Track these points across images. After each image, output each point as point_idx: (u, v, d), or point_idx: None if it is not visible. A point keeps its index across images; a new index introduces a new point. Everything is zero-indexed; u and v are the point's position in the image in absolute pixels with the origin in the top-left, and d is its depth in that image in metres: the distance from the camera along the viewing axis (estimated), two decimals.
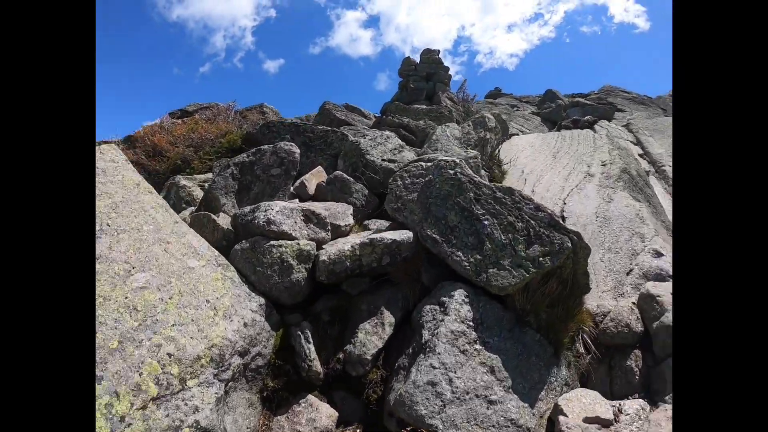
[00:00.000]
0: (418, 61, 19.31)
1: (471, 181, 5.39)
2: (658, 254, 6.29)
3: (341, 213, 6.36)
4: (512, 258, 4.54)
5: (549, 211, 4.87)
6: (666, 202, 12.98)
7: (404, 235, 5.25)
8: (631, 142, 18.09)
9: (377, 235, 5.10)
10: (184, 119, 15.59)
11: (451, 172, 5.49)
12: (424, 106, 14.04)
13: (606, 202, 7.76)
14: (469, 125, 10.70)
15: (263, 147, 7.07)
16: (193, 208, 7.35)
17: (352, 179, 7.37)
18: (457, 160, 5.75)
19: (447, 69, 18.73)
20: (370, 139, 8.67)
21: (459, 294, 4.52)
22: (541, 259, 4.44)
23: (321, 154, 9.59)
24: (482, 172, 8.20)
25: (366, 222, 6.75)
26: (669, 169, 14.92)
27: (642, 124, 19.81)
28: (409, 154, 8.65)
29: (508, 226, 4.82)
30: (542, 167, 10.30)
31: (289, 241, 5.03)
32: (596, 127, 20.11)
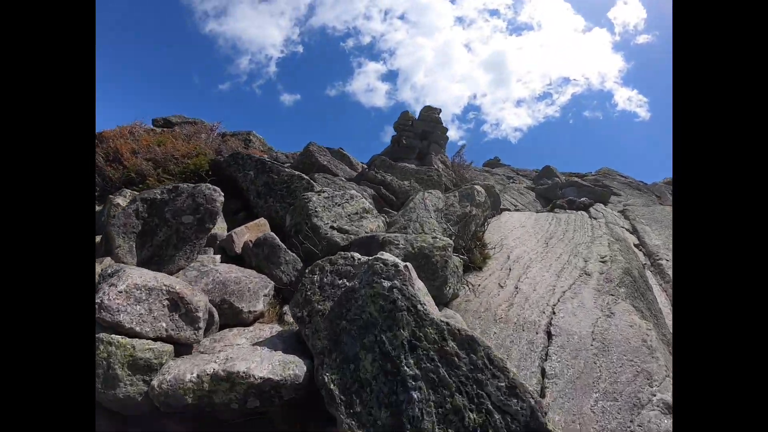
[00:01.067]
0: (417, 116, 17.74)
1: (412, 308, 3.43)
2: (671, 410, 4.42)
3: (252, 292, 4.64)
4: None
5: (532, 402, 2.87)
6: (663, 300, 11.17)
7: (290, 371, 3.39)
8: (627, 230, 16.45)
9: (242, 368, 3.22)
10: (165, 129, 14.50)
11: (386, 285, 3.57)
12: (413, 166, 12.38)
13: (605, 317, 5.95)
14: (455, 196, 8.98)
15: (181, 186, 5.49)
16: None
17: (283, 247, 5.66)
18: (400, 265, 3.81)
19: (445, 130, 17.11)
20: (325, 197, 6.95)
21: None
22: None
23: (281, 202, 7.97)
24: (453, 259, 6.38)
25: (286, 309, 4.93)
26: (666, 263, 13.15)
27: (639, 212, 18.22)
28: (372, 223, 6.92)
29: (452, 415, 2.84)
30: (532, 255, 8.51)
31: (127, 339, 3.34)
32: (592, 210, 18.49)
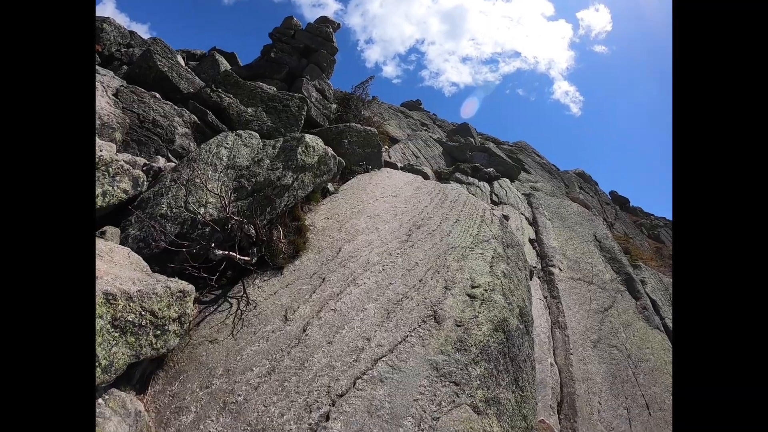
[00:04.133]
0: (304, 27, 13.65)
1: None
2: None
3: None
4: None
5: None
6: (544, 325, 8.67)
7: None
8: (527, 219, 13.91)
9: None
10: None
11: None
12: (273, 89, 8.81)
13: None
14: (273, 148, 5.70)
15: None
16: None
17: None
18: None
19: (335, 50, 12.93)
20: None
21: None
22: None
23: None
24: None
25: None
26: (557, 273, 10.69)
27: (544, 202, 15.72)
28: None
29: None
30: (374, 255, 5.52)
31: None
32: (496, 185, 15.87)
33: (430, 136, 20.19)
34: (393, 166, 11.04)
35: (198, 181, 4.73)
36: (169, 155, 6.64)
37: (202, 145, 5.50)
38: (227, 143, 5.52)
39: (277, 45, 12.77)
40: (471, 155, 18.98)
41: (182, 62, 12.07)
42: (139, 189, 4.83)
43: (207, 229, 4.52)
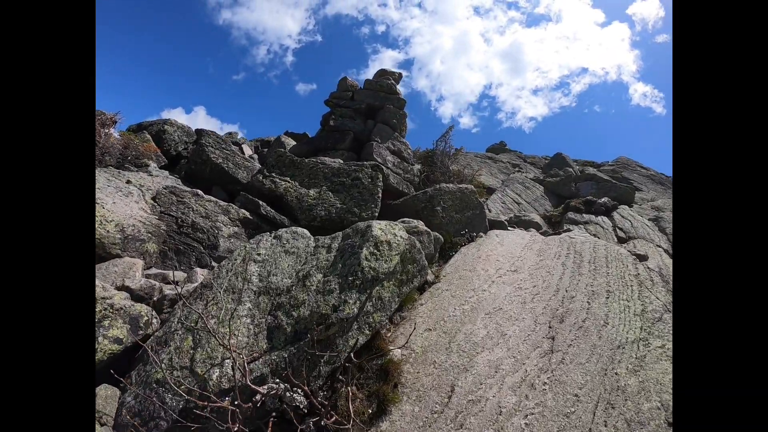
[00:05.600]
0: (363, 85, 12.06)
1: None
2: None
3: None
4: None
5: None
6: None
7: None
8: (665, 251, 10.94)
9: None
10: None
11: None
12: (338, 162, 7.04)
13: None
14: (327, 251, 3.79)
15: None
16: None
17: None
18: None
19: (403, 103, 10.60)
20: None
21: None
22: None
23: None
24: None
25: None
26: None
27: None
28: None
29: None
30: (508, 390, 3.48)
31: None
32: (616, 216, 13.09)
33: (526, 177, 17.75)
34: (500, 225, 8.78)
35: (213, 323, 2.89)
36: (213, 264, 5.10)
37: (223, 262, 3.75)
38: (259, 253, 3.74)
39: (336, 111, 10.85)
40: (576, 188, 16.28)
41: (250, 151, 10.77)
42: (141, 333, 3.14)
43: (226, 400, 2.62)
